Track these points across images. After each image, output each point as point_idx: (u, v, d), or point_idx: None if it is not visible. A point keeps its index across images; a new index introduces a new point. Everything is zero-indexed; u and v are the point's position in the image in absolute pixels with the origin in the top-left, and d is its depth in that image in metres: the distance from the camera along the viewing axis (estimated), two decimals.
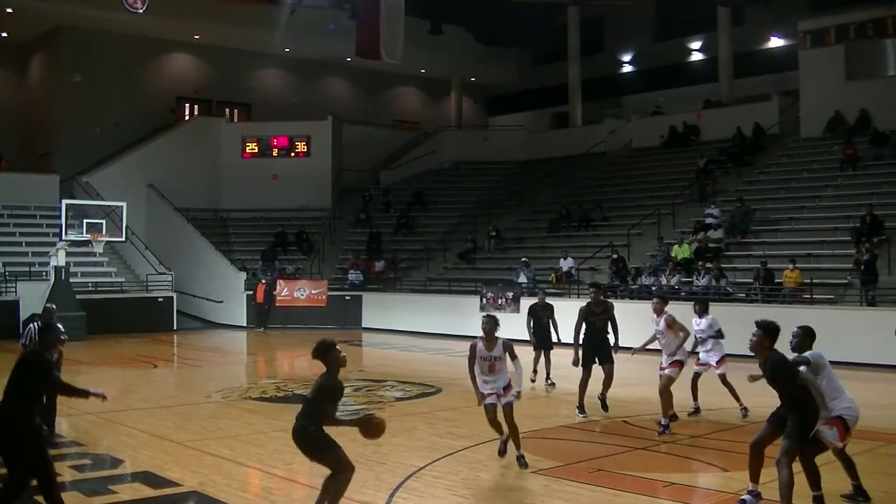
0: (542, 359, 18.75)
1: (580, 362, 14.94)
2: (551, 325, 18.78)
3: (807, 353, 9.19)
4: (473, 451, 12.40)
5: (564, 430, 14.27)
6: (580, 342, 15.01)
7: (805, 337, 9.42)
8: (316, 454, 8.29)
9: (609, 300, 16.28)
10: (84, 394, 8.70)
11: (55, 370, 8.69)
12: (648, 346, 14.53)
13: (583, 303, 15.94)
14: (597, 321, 15.03)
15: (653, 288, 27.53)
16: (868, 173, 30.23)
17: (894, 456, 12.56)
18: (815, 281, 24.83)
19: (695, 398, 14.96)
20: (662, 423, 13.45)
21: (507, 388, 11.43)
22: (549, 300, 19.64)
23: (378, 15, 31.76)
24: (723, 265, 27.30)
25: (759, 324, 9.20)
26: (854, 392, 9.44)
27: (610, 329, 15.16)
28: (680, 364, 13.95)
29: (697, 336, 15.00)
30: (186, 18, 39.93)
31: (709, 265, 27.20)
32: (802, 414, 8.99)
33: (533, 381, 18.48)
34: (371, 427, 8.35)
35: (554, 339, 18.77)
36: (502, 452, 11.68)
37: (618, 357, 15.03)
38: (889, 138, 30.89)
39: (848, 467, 9.56)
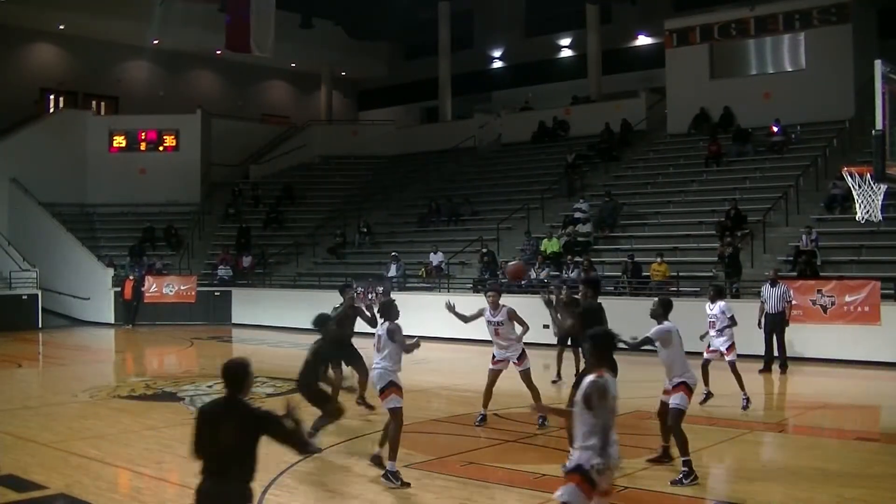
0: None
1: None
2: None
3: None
4: (346, 446, 12.29)
5: (436, 423, 14.24)
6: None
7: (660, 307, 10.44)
8: None
9: None
10: None
11: None
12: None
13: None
14: None
15: (521, 283, 27.66)
16: (731, 169, 30.98)
17: (755, 443, 12.79)
18: (681, 274, 25.29)
19: (706, 384, 14.83)
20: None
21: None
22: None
23: (248, 8, 31.37)
24: (591, 259, 27.51)
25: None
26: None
27: None
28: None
29: (710, 322, 15.11)
30: (50, 7, 38.57)
31: (577, 259, 27.47)
32: None
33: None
34: None
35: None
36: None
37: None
38: (751, 135, 31.71)
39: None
